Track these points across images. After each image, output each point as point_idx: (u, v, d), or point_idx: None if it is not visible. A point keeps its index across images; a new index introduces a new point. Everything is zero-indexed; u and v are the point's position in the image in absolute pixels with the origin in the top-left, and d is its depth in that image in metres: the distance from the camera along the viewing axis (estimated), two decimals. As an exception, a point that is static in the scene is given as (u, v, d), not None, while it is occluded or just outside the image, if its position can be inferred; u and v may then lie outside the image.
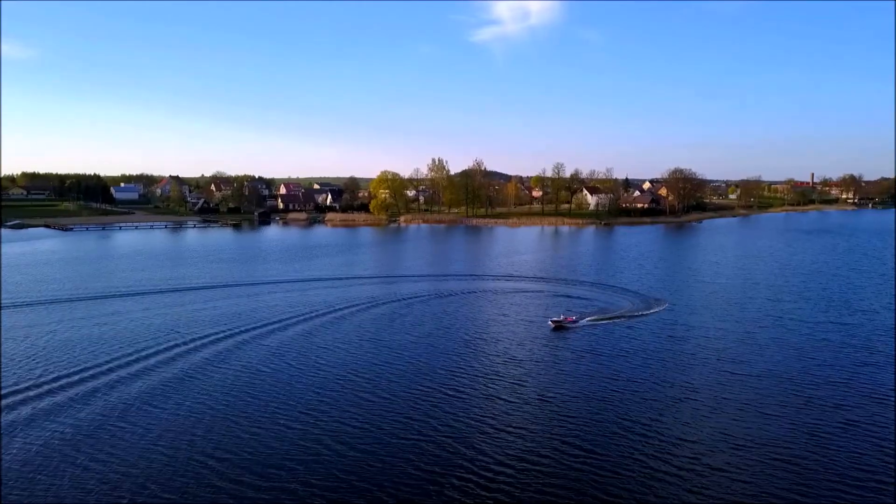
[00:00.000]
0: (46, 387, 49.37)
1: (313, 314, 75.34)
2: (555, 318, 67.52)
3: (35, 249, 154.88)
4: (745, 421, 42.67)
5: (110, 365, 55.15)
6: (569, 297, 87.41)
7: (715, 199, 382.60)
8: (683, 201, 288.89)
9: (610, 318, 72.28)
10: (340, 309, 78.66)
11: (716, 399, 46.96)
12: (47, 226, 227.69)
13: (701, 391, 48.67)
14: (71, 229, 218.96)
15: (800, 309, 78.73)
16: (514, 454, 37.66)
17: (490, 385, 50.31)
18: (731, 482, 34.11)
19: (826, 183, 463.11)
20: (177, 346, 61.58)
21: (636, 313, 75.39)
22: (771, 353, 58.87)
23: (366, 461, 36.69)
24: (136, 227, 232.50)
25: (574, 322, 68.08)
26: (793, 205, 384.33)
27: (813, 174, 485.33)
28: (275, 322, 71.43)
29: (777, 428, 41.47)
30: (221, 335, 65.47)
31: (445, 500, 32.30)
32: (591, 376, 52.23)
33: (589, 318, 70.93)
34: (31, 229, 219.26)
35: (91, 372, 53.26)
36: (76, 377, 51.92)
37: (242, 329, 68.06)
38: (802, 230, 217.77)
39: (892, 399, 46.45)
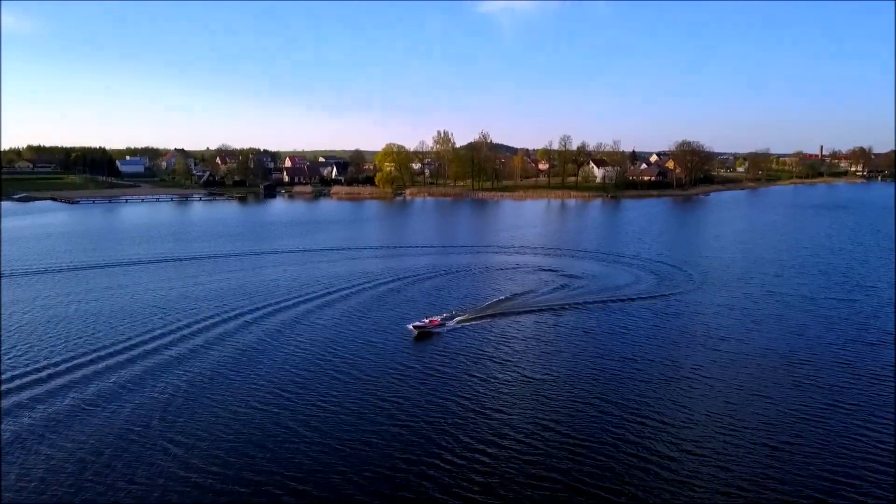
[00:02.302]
0: (47, 362, 49.96)
1: (316, 292, 75.19)
2: (417, 324, 58.00)
3: (44, 223, 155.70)
4: (742, 402, 42.49)
5: (111, 342, 55.50)
6: (568, 272, 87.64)
7: (722, 172, 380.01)
8: (691, 174, 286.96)
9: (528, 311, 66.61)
10: (345, 287, 78.90)
11: (712, 379, 46.75)
12: (54, 199, 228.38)
13: (696, 371, 48.47)
14: (77, 202, 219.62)
15: (803, 285, 78.78)
16: (497, 435, 37.40)
17: (480, 364, 50.62)
18: (726, 465, 34.04)
19: (835, 156, 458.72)
20: (185, 320, 62.23)
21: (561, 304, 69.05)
22: (770, 331, 58.95)
23: (361, 438, 37.41)
24: (143, 200, 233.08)
25: (440, 325, 59.14)
26: (801, 178, 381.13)
27: (822, 147, 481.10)
28: (281, 298, 71.88)
29: (774, 408, 41.33)
30: (225, 311, 65.91)
31: (442, 484, 33.03)
32: (581, 357, 51.75)
33: (458, 319, 62.07)
34: (37, 202, 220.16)
35: (93, 347, 53.73)
36: (79, 352, 52.48)
37: (244, 305, 68.27)
38: (810, 205, 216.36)
39: (893, 378, 46.49)
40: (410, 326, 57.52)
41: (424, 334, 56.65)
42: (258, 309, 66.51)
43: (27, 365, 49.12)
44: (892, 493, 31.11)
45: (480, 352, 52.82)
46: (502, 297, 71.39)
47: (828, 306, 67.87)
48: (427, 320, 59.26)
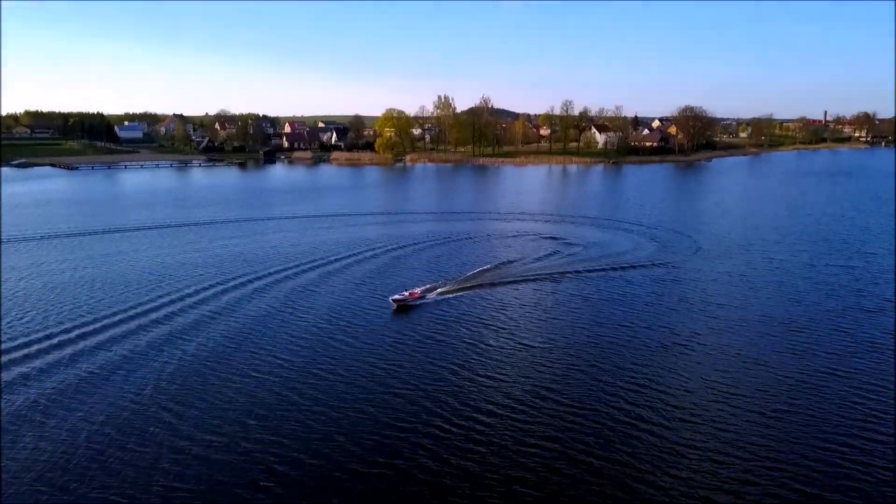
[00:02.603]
0: (45, 329, 50.35)
1: (311, 260, 75.18)
2: (396, 297, 56.69)
3: (43, 189, 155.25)
4: (739, 368, 42.74)
5: (108, 309, 55.70)
6: (565, 239, 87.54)
7: (725, 138, 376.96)
8: (693, 140, 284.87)
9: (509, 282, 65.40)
10: (342, 256, 78.95)
11: (709, 346, 46.98)
12: (53, 165, 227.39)
13: (693, 338, 48.64)
14: (77, 168, 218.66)
15: (802, 252, 78.74)
16: (490, 402, 37.64)
17: (478, 330, 51.06)
18: (721, 432, 34.31)
19: (839, 121, 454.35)
20: (181, 288, 62.41)
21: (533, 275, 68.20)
22: (769, 298, 59.12)
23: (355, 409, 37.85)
24: (142, 166, 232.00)
25: (421, 297, 57.94)
26: (804, 143, 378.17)
27: (826, 112, 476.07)
28: (277, 266, 71.95)
29: (771, 375, 41.59)
30: (223, 279, 66.02)
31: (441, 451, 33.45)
32: (575, 325, 51.92)
33: (439, 291, 60.69)
34: (36, 168, 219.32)
35: (91, 315, 54.01)
36: (77, 319, 52.75)
37: (241, 273, 68.30)
38: (812, 171, 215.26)
39: (892, 345, 46.61)
40: (390, 299, 56.44)
41: (404, 307, 55.68)
42: (255, 277, 66.56)
43: (26, 332, 49.44)
44: (891, 460, 31.27)
45: (472, 321, 52.99)
46: (492, 266, 71.19)
47: (827, 273, 67.92)
48: (407, 293, 57.85)
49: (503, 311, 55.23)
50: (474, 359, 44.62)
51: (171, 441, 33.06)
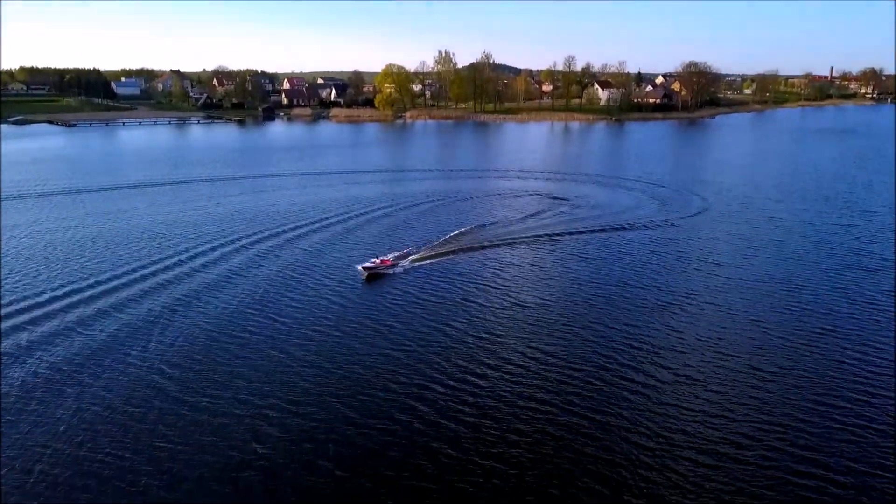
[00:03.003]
0: (45, 287, 50.68)
1: (307, 220, 74.92)
2: (366, 264, 53.70)
3: (41, 146, 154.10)
4: (736, 327, 42.99)
5: (107, 267, 56.09)
6: (563, 197, 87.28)
7: (729, 95, 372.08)
8: (697, 97, 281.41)
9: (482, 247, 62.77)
10: (340, 214, 78.93)
11: (707, 305, 47.18)
12: (50, 122, 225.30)
13: (691, 296, 48.80)
14: (74, 125, 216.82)
15: (803, 210, 78.60)
16: (488, 364, 37.72)
17: (472, 286, 51.35)
18: (717, 389, 34.73)
19: (845, 77, 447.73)
20: (178, 247, 62.53)
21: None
22: (769, 256, 59.26)
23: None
24: (140, 124, 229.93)
25: (393, 265, 55.04)
26: (809, 100, 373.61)
27: (832, 68, 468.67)
28: (275, 224, 72.04)
29: (769, 334, 41.85)
30: (221, 238, 66.10)
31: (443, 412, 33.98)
32: (573, 283, 52.07)
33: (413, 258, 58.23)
34: (34, 125, 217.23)
35: (90, 272, 54.33)
36: (77, 276, 53.09)
37: (239, 232, 68.32)
38: (816, 129, 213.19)
39: (892, 303, 46.80)
40: (360, 267, 53.41)
41: (375, 276, 53.04)
42: (252, 237, 66.49)
43: (22, 292, 49.60)
44: (890, 417, 31.47)
45: (466, 282, 53.09)
46: (482, 226, 70.54)
47: (827, 232, 67.92)
48: (378, 260, 54.88)
49: (498, 272, 55.21)
50: (464, 319, 44.65)
51: (171, 407, 32.98)
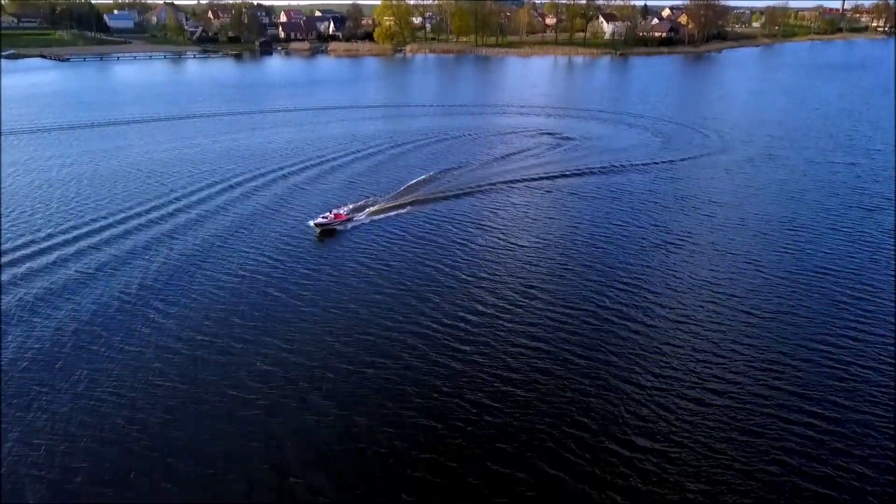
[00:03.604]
0: (43, 226, 51.15)
1: (300, 159, 74.04)
2: (319, 220, 49.54)
3: (35, 81, 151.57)
4: (732, 268, 42.74)
5: (101, 208, 56.32)
6: (561, 134, 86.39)
7: (737, 28, 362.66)
8: (704, 30, 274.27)
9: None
10: (339, 154, 78.32)
11: (703, 245, 46.84)
12: (43, 56, 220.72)
13: (687, 237, 48.50)
14: (68, 60, 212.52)
15: (806, 148, 77.84)
16: (483, 302, 37.83)
17: (464, 232, 51.26)
18: (710, 333, 34.84)
19: (857, 10, 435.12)
20: (177, 187, 62.77)
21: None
22: (769, 195, 58.95)
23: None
24: (135, 58, 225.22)
25: (347, 220, 51.19)
26: (819, 34, 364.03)
27: (844, 0, 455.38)
28: (270, 164, 71.86)
29: (765, 274, 41.67)
30: (217, 177, 66.10)
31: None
32: (571, 223, 51.76)
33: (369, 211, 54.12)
34: (26, 60, 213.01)
35: (84, 213, 54.45)
36: (72, 217, 53.15)
37: (235, 171, 67.87)
38: (824, 63, 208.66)
39: (892, 244, 46.35)
40: (312, 223, 49.59)
41: (329, 231, 49.26)
42: (244, 175, 66.20)
43: (16, 229, 49.82)
44: (890, 356, 31.43)
45: (465, 222, 53.11)
46: (462, 167, 69.14)
47: (830, 170, 67.41)
48: (332, 214, 50.87)
49: (487, 215, 54.96)
50: (462, 258, 44.99)
51: (156, 338, 33.53)
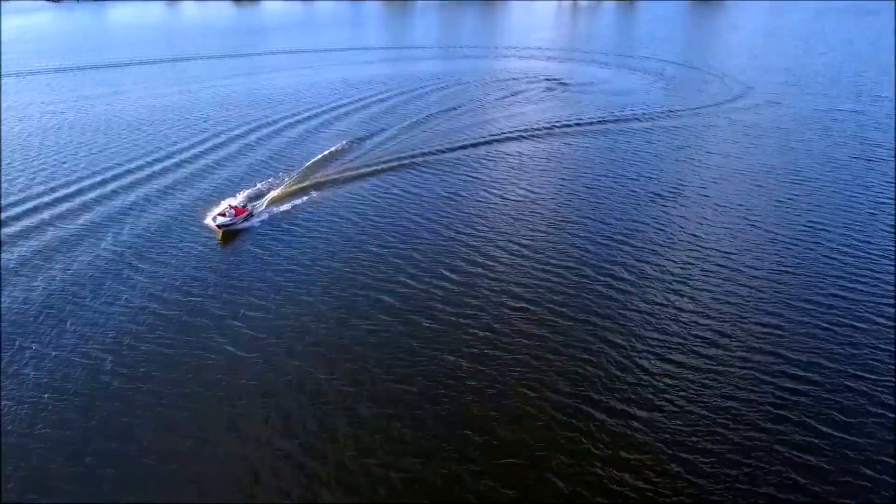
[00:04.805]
0: (44, 177, 49.99)
1: (311, 109, 71.68)
2: (221, 222, 39.54)
3: (28, 24, 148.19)
4: (729, 222, 40.81)
5: (85, 165, 53.90)
6: (562, 80, 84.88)
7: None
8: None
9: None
10: (340, 103, 76.88)
11: (701, 197, 45.34)
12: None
13: (684, 188, 47.10)
14: (61, 0, 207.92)
15: (809, 96, 75.25)
16: (471, 261, 36.00)
17: (464, 182, 49.80)
18: (701, 291, 33.44)
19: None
20: (167, 140, 60.78)
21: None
22: (769, 146, 56.27)
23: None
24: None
25: (250, 214, 42.02)
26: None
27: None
28: (266, 114, 69.64)
29: (763, 230, 39.81)
30: (211, 128, 63.89)
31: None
32: (565, 175, 50.22)
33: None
34: (17, 1, 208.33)
35: (68, 169, 52.47)
36: (51, 172, 51.48)
37: (229, 123, 65.63)
38: (837, 7, 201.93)
39: (891, 195, 45.18)
40: (213, 224, 39.97)
41: (231, 234, 40.10)
42: (239, 125, 64.56)
43: (26, 178, 49.23)
44: (890, 314, 30.28)
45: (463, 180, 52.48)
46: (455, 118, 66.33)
47: (833, 119, 65.16)
48: (229, 205, 42.19)
49: (475, 169, 53.27)
50: (456, 214, 42.98)
51: (133, 298, 32.62)
